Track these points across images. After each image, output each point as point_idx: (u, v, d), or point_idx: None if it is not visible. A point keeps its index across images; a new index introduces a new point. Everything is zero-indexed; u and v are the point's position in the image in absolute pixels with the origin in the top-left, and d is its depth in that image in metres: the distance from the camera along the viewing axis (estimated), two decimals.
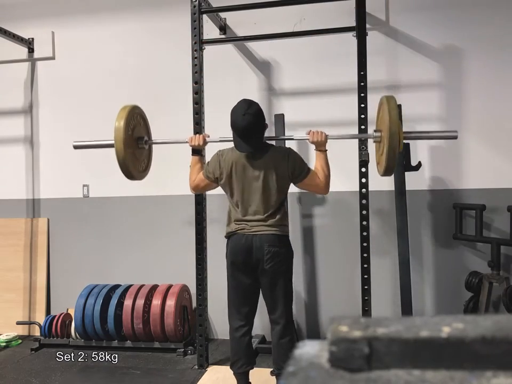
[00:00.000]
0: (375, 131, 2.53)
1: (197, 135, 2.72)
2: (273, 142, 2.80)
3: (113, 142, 2.51)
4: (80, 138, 3.99)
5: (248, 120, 2.33)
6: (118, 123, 2.49)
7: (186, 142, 2.67)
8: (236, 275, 2.48)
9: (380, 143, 2.51)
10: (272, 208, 2.43)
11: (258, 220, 2.42)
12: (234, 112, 2.39)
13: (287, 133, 3.39)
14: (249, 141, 2.37)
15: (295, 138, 2.79)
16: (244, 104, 2.38)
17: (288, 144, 3.09)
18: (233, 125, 2.39)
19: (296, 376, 0.40)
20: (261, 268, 2.40)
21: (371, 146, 2.94)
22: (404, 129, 3.15)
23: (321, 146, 2.49)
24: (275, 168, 2.39)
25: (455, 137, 2.59)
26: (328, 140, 2.51)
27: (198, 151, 2.68)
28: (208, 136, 2.70)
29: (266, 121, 2.50)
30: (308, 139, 2.52)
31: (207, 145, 2.72)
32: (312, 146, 2.59)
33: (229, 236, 2.50)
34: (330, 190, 3.52)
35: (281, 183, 2.42)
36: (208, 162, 2.57)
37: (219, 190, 3.47)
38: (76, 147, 2.94)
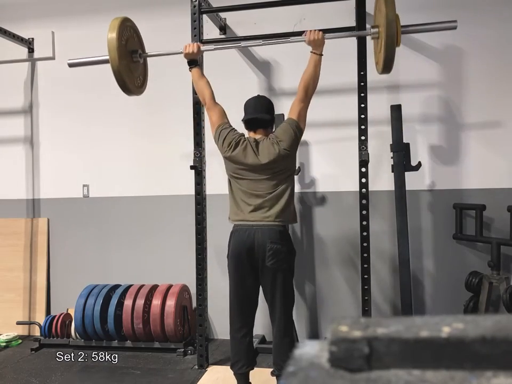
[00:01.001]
0: (372, 27, 2.50)
1: (191, 43, 2.73)
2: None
3: (107, 57, 2.49)
4: (80, 138, 4.01)
5: (259, 99, 2.56)
6: (111, 34, 2.49)
7: (181, 52, 2.69)
8: (237, 274, 2.47)
9: (377, 40, 2.47)
10: (277, 191, 2.43)
11: (262, 207, 2.41)
12: (247, 100, 2.57)
13: None
14: (257, 112, 2.48)
15: (291, 40, 2.75)
16: (257, 95, 2.62)
17: (284, 45, 3.01)
18: (245, 105, 2.55)
19: (296, 376, 0.40)
20: (262, 265, 2.40)
21: (371, 145, 2.95)
22: (405, 129, 3.16)
23: (317, 47, 2.51)
24: (276, 150, 2.40)
25: (455, 27, 2.53)
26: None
27: (194, 62, 2.71)
28: (203, 45, 2.75)
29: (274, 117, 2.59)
30: (304, 40, 2.54)
31: (202, 53, 2.74)
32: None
33: (232, 230, 2.50)
34: (330, 190, 3.55)
35: (284, 162, 2.42)
36: (230, 131, 2.50)
37: (219, 190, 3.47)
38: (70, 65, 2.92)
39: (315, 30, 2.52)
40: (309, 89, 2.47)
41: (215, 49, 2.73)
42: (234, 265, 2.47)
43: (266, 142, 2.44)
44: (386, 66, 2.36)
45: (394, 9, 2.25)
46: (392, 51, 2.28)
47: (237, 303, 2.52)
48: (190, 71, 2.72)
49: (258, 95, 2.64)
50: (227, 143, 2.47)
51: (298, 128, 2.44)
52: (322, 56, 2.52)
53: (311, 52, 2.52)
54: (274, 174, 2.43)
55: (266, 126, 2.53)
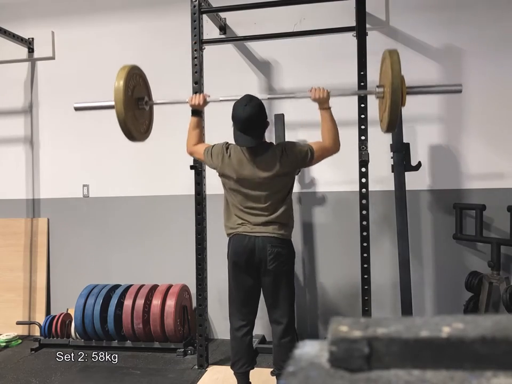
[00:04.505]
0: (377, 87, 2.49)
1: (197, 94, 2.70)
2: (272, 142, 2.79)
3: (113, 103, 2.50)
4: (80, 139, 4.01)
5: (248, 112, 2.31)
6: (118, 83, 2.47)
7: (187, 102, 2.66)
8: (238, 275, 2.47)
9: (382, 99, 2.48)
10: (275, 207, 2.41)
11: (261, 221, 2.40)
12: (236, 105, 2.39)
13: (287, 133, 3.39)
14: (249, 133, 2.34)
15: (297, 96, 2.72)
16: (245, 98, 2.39)
17: (289, 102, 3.08)
18: (234, 118, 2.37)
19: (296, 376, 0.40)
20: (264, 268, 2.39)
21: (371, 145, 2.95)
22: (405, 129, 3.16)
23: (324, 104, 2.45)
24: (276, 164, 2.37)
25: (460, 91, 2.52)
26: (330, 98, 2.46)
27: (198, 112, 2.67)
28: (209, 96, 2.67)
29: (268, 121, 2.48)
30: (309, 97, 2.48)
31: (207, 105, 2.69)
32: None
33: (230, 236, 2.49)
34: (330, 190, 3.55)
35: (283, 180, 2.41)
36: (214, 146, 2.52)
37: (219, 190, 3.47)
38: (76, 108, 2.93)
39: (319, 87, 2.45)
40: (336, 140, 2.43)
41: (221, 101, 2.68)
42: (234, 266, 2.47)
43: (267, 150, 2.40)
44: (391, 127, 2.39)
45: (399, 74, 2.24)
46: (396, 114, 2.29)
47: (237, 303, 2.52)
48: (192, 116, 2.67)
49: (246, 102, 2.35)
50: (215, 157, 2.47)
51: (309, 160, 2.42)
52: (331, 108, 2.47)
53: (319, 108, 2.47)
54: (273, 188, 2.39)
55: (260, 141, 2.42)
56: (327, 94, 2.44)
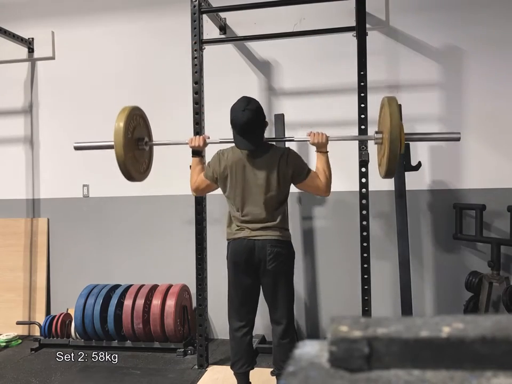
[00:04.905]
0: (376, 133, 2.51)
1: (197, 136, 2.69)
2: (273, 143, 2.79)
3: (113, 143, 2.50)
4: (80, 139, 4.00)
5: (247, 115, 2.31)
6: (118, 125, 2.47)
7: (187, 144, 2.66)
8: (237, 275, 2.47)
9: (381, 145, 2.50)
10: (273, 211, 2.41)
11: (260, 223, 2.40)
12: (234, 108, 2.37)
13: (287, 133, 3.39)
14: (248, 137, 2.34)
15: (295, 139, 2.78)
16: (243, 100, 2.37)
17: (288, 145, 3.09)
18: (233, 121, 2.37)
19: (296, 376, 0.40)
20: (263, 268, 2.40)
21: (371, 145, 2.95)
22: (405, 129, 3.16)
23: (322, 148, 2.47)
24: (276, 168, 2.37)
25: (458, 139, 2.55)
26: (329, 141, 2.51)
27: (198, 152, 2.66)
28: (209, 138, 2.67)
29: (266, 120, 2.47)
30: (308, 140, 2.51)
31: (207, 146, 2.70)
32: (313, 148, 2.58)
33: (230, 241, 2.49)
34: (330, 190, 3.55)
35: (282, 183, 2.41)
36: (209, 162, 2.56)
37: (219, 190, 3.46)
38: (76, 148, 2.94)
39: (318, 132, 2.47)
40: (328, 183, 2.44)
41: (220, 142, 2.68)
42: (234, 266, 2.47)
43: (267, 152, 2.40)
44: (389, 173, 2.40)
45: (398, 124, 2.24)
46: (394, 162, 2.30)
47: (237, 303, 2.52)
48: (192, 157, 2.66)
49: (244, 106, 2.33)
50: (214, 167, 2.47)
51: (300, 180, 2.42)
52: (328, 153, 2.49)
53: (316, 151, 2.49)
54: (271, 191, 2.40)
55: (259, 144, 2.41)
56: (325, 139, 2.47)
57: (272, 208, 2.42)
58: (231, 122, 2.38)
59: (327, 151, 2.49)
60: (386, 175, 2.42)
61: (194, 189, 2.63)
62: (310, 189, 2.50)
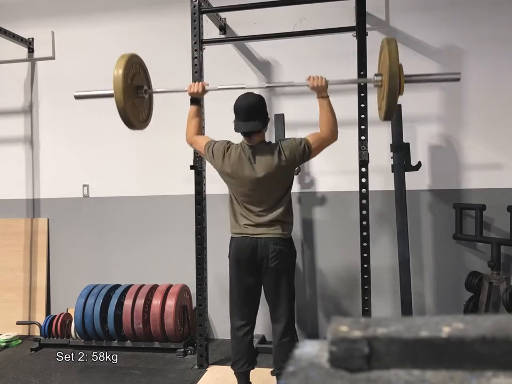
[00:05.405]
0: (376, 75, 2.51)
1: (196, 82, 2.71)
2: (271, 141, 2.79)
3: (112, 91, 2.51)
4: (80, 139, 4.01)
5: (249, 100, 2.38)
6: (117, 72, 2.48)
7: (186, 91, 2.67)
8: (239, 274, 2.48)
9: (381, 87, 2.49)
10: (275, 204, 2.42)
11: (262, 220, 2.40)
12: (238, 98, 2.43)
13: (287, 133, 3.39)
14: (249, 120, 2.37)
15: (295, 84, 2.73)
16: (247, 92, 2.46)
17: (288, 90, 3.08)
18: (236, 107, 2.41)
19: (296, 376, 0.40)
20: (265, 266, 2.40)
21: (371, 145, 2.95)
22: (405, 129, 3.16)
23: (322, 92, 2.45)
24: (274, 161, 2.37)
25: (458, 79, 2.52)
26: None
27: (197, 100, 2.68)
28: (208, 85, 2.68)
29: (269, 117, 2.49)
30: (307, 85, 2.49)
31: (206, 93, 2.70)
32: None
33: (233, 237, 2.50)
34: (330, 190, 3.55)
35: (283, 177, 2.41)
36: (216, 143, 2.51)
37: (219, 190, 3.47)
38: (77, 97, 2.94)
39: (317, 75, 2.46)
40: (334, 129, 2.41)
41: (219, 89, 2.70)
42: (236, 265, 2.47)
43: (266, 149, 2.41)
44: (388, 115, 2.39)
45: (397, 62, 2.24)
46: (394, 102, 2.30)
47: (238, 302, 2.53)
48: (191, 104, 2.68)
49: (247, 94, 2.45)
50: (217, 154, 2.46)
51: (306, 155, 2.40)
52: (329, 97, 2.46)
53: (317, 97, 2.47)
54: (272, 187, 2.40)
55: (260, 129, 2.44)
56: (325, 82, 2.45)
57: (274, 202, 2.42)
58: (234, 109, 2.42)
59: (328, 96, 2.47)
60: (386, 115, 2.39)
61: (190, 143, 2.65)
62: (321, 148, 2.44)
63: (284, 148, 2.39)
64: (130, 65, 2.56)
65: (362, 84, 2.87)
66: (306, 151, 2.39)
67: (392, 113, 2.41)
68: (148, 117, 2.86)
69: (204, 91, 2.65)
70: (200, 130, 2.66)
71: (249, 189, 2.41)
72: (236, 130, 2.42)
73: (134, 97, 2.63)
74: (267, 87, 2.79)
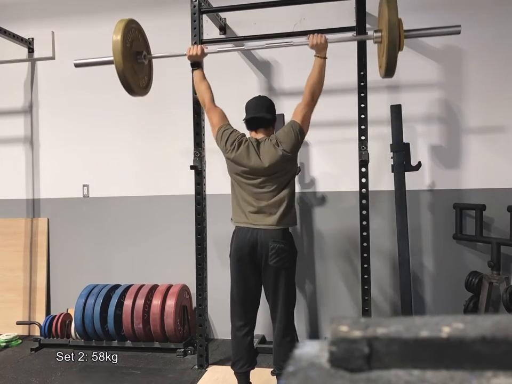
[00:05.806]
0: (375, 31, 2.51)
1: (195, 45, 2.73)
2: None
3: (112, 58, 2.50)
4: (80, 138, 4.01)
5: (260, 99, 2.55)
6: (116, 36, 2.49)
7: (185, 55, 2.70)
8: (240, 273, 2.48)
9: (380, 44, 2.49)
10: (278, 193, 2.42)
11: (264, 205, 2.41)
12: (248, 101, 2.56)
13: None
14: (258, 112, 2.47)
15: (294, 43, 2.73)
16: (259, 95, 2.63)
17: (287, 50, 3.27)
18: (246, 105, 2.54)
19: (296, 376, 0.40)
20: (265, 263, 2.40)
21: (371, 145, 2.95)
22: (405, 129, 3.16)
23: (321, 51, 2.48)
24: (277, 153, 2.39)
25: (458, 32, 2.53)
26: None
27: (197, 64, 2.70)
28: (207, 48, 2.73)
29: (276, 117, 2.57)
30: (307, 44, 2.52)
31: (206, 56, 2.72)
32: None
33: (235, 229, 2.50)
34: (330, 190, 3.55)
35: (286, 166, 2.42)
36: (232, 131, 2.50)
37: (219, 190, 3.47)
38: (77, 65, 2.95)
39: (318, 34, 2.50)
40: (315, 93, 2.46)
41: (218, 51, 2.73)
42: (237, 264, 2.47)
43: (268, 143, 2.43)
44: (389, 70, 2.37)
45: (396, 14, 2.25)
46: (394, 56, 2.29)
47: (239, 302, 2.53)
48: (192, 72, 2.71)
49: (259, 95, 2.63)
50: (230, 143, 2.46)
51: (300, 132, 2.43)
52: (326, 59, 2.50)
53: (315, 55, 2.50)
54: (276, 177, 2.42)
55: (267, 125, 2.51)
56: (324, 41, 2.48)
57: (277, 189, 2.42)
58: (245, 108, 2.54)
59: (326, 57, 2.49)
60: (387, 72, 2.39)
61: (207, 110, 2.62)
62: (308, 115, 2.47)
63: (280, 138, 2.42)
64: (128, 30, 2.60)
65: (362, 39, 2.84)
66: (297, 130, 2.42)
67: (393, 69, 2.40)
68: (148, 84, 2.87)
69: (203, 53, 2.70)
70: (212, 92, 2.63)
71: (255, 177, 2.42)
72: (246, 118, 2.50)
73: (134, 63, 2.64)
74: (266, 46, 2.83)
